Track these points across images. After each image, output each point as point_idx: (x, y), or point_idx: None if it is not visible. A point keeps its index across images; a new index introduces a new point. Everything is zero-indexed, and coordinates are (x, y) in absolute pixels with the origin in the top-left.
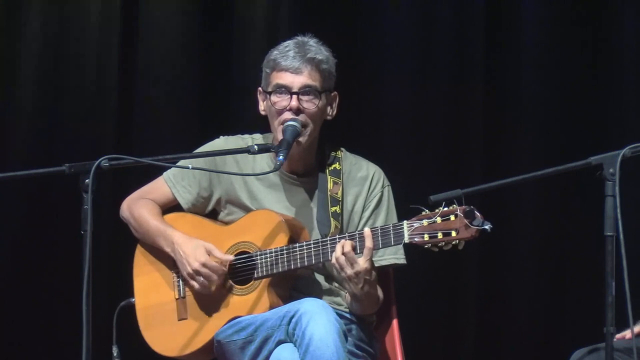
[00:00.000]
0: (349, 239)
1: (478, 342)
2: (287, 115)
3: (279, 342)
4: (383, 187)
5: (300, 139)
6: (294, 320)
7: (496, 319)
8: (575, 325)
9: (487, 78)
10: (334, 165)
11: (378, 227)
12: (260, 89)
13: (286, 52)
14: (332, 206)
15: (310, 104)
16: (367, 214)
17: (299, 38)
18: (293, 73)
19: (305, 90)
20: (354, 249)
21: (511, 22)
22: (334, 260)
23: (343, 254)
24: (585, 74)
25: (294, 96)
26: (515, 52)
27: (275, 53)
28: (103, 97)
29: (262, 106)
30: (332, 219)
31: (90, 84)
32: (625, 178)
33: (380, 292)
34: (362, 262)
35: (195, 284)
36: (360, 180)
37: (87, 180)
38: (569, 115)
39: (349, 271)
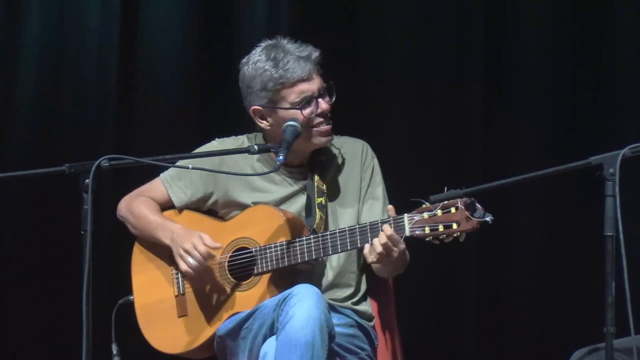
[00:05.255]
0: (370, 230)
1: (478, 342)
2: (319, 120)
3: (272, 326)
4: (372, 158)
5: (298, 137)
6: (284, 302)
7: (496, 319)
8: (575, 326)
9: (487, 78)
10: (321, 157)
11: (379, 220)
12: (258, 107)
13: (286, 63)
14: (318, 197)
15: (329, 99)
16: (365, 184)
17: (274, 43)
18: (307, 81)
19: (323, 89)
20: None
21: (511, 22)
22: (380, 249)
23: (388, 237)
24: (586, 73)
25: (320, 100)
26: (516, 52)
27: (273, 71)
28: (103, 97)
29: (267, 121)
30: (318, 210)
31: (90, 83)
32: (625, 178)
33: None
34: (401, 244)
35: (184, 264)
36: (351, 158)
37: (87, 180)
38: (569, 115)
39: (395, 253)
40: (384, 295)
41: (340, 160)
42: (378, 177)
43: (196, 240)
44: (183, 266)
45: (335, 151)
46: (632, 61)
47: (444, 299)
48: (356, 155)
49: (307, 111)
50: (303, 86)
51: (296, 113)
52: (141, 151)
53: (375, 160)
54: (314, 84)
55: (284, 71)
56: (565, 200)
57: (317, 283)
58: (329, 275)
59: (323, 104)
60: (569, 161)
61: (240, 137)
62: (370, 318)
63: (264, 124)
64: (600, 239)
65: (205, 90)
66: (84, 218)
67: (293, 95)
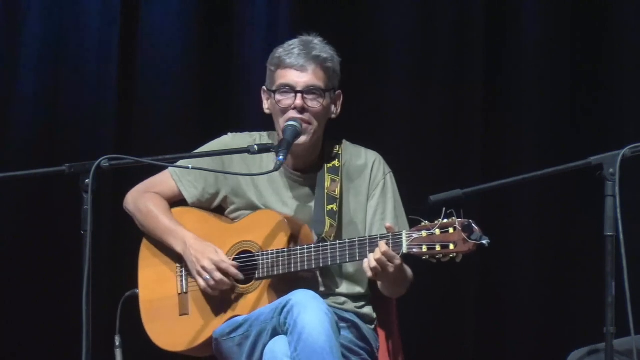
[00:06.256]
0: (369, 244)
1: (478, 342)
2: (292, 113)
3: (273, 333)
4: (385, 174)
5: (304, 138)
6: (285, 309)
7: (496, 319)
8: (575, 325)
9: (487, 78)
10: (333, 163)
11: (377, 235)
12: (264, 87)
13: (291, 49)
14: (328, 204)
15: (314, 103)
16: (373, 203)
17: (304, 37)
18: (298, 71)
19: (309, 89)
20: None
21: (511, 22)
22: (373, 264)
23: (382, 253)
24: (586, 73)
25: (299, 95)
26: (516, 52)
27: (280, 51)
28: (103, 97)
29: (266, 105)
30: (327, 217)
31: (90, 83)
32: (625, 178)
33: (409, 271)
34: (397, 259)
35: (202, 282)
36: (360, 170)
37: (87, 180)
38: (569, 115)
39: (391, 268)
40: (385, 296)
41: (351, 170)
42: (389, 194)
43: (214, 255)
44: (202, 284)
45: (347, 160)
46: (632, 61)
47: (444, 299)
48: (366, 170)
49: (278, 97)
50: (291, 74)
51: (275, 97)
52: (141, 151)
53: (389, 177)
54: (303, 77)
55: (285, 54)
56: (565, 200)
57: (321, 288)
58: (332, 282)
59: (298, 100)
60: (569, 161)
61: (254, 133)
62: (372, 321)
63: (265, 106)
64: (600, 239)
65: (205, 90)
66: (84, 218)
67: (281, 79)
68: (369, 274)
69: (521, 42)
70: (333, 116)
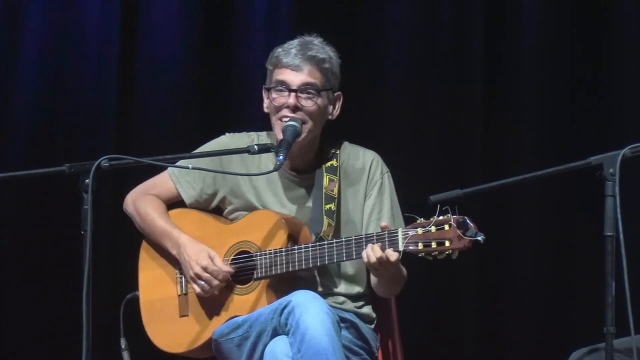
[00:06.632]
0: (366, 243)
1: (478, 342)
2: (285, 112)
3: (273, 334)
4: (382, 174)
5: (298, 137)
6: (286, 310)
7: (496, 319)
8: (575, 325)
9: (487, 78)
10: (331, 162)
11: (374, 233)
12: (264, 86)
13: (289, 49)
14: (326, 204)
15: (308, 102)
16: (370, 202)
17: (305, 37)
18: (293, 70)
19: (304, 88)
20: (382, 249)
21: (512, 22)
22: (373, 259)
23: (378, 258)
24: (586, 73)
25: (292, 93)
26: (516, 51)
27: (279, 50)
28: (103, 97)
29: (265, 103)
30: (325, 217)
31: (90, 83)
32: (625, 178)
33: (404, 270)
34: (393, 259)
35: (197, 287)
36: (359, 170)
37: (87, 180)
38: (569, 115)
39: (389, 273)
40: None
41: (349, 170)
42: (386, 194)
43: (205, 262)
44: (197, 289)
45: (345, 159)
46: (632, 61)
47: (444, 299)
48: (364, 169)
49: (273, 95)
50: (287, 73)
51: (271, 95)
52: (141, 151)
53: (386, 176)
54: (298, 77)
55: (283, 53)
56: (565, 200)
57: (319, 288)
58: (331, 282)
59: (291, 98)
60: (569, 161)
61: (252, 133)
62: (371, 321)
63: (264, 105)
64: (600, 239)
65: (205, 90)
66: (84, 218)
67: (277, 77)
68: (368, 266)
69: (521, 42)
70: (330, 117)
